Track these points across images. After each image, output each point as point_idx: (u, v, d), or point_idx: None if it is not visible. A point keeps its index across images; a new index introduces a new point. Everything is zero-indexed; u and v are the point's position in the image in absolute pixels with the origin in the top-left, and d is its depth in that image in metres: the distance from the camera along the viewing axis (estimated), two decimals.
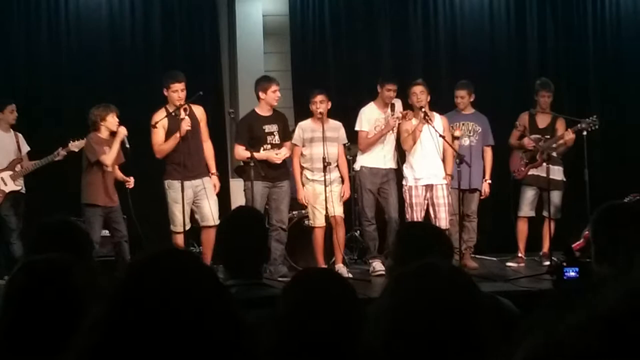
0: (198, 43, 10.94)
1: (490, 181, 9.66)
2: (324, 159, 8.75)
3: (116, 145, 8.64)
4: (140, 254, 1.54)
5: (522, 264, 9.65)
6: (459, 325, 1.78)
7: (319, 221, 8.97)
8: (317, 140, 8.92)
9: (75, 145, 8.97)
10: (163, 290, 1.44)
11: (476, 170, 9.47)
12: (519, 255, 9.78)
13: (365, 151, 9.17)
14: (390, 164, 9.22)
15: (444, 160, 9.15)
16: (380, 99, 9.22)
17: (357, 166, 9.27)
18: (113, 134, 8.72)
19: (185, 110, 8.73)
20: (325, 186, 8.76)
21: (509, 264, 9.69)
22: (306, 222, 9.46)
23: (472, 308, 1.81)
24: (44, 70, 10.41)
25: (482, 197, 9.66)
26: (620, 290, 1.09)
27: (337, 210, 9.00)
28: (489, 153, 9.74)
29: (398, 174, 9.29)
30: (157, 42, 10.85)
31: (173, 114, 8.70)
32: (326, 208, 8.84)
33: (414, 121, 9.03)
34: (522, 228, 9.85)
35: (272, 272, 8.49)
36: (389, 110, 9.16)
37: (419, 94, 9.00)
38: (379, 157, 9.16)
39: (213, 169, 8.97)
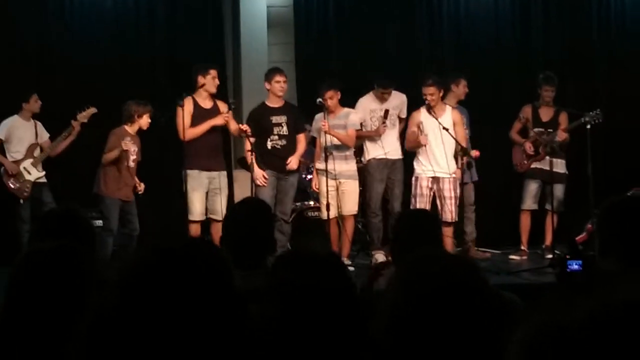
0: (202, 34, 10.90)
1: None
2: (325, 150, 8.77)
3: (115, 153, 8.62)
4: (152, 243, 1.53)
5: (525, 257, 9.67)
6: (464, 315, 1.78)
7: (323, 214, 8.97)
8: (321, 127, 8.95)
9: (83, 116, 9.04)
10: (172, 278, 1.44)
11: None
12: (522, 248, 9.79)
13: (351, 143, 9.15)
14: (397, 154, 9.25)
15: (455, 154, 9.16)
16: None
17: (365, 158, 9.28)
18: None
19: (226, 105, 8.90)
20: (327, 177, 8.75)
21: (511, 256, 9.70)
22: (311, 213, 9.49)
23: (479, 297, 1.81)
24: (53, 63, 10.39)
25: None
26: (633, 285, 1.09)
27: (346, 208, 8.99)
28: None
29: (405, 164, 9.32)
30: (161, 33, 10.82)
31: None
32: (327, 200, 8.84)
33: (424, 117, 9.00)
34: (525, 221, 9.86)
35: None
36: (382, 114, 9.17)
37: (429, 96, 8.97)
38: (386, 148, 9.18)
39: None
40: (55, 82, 10.13)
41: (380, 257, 9.02)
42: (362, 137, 9.23)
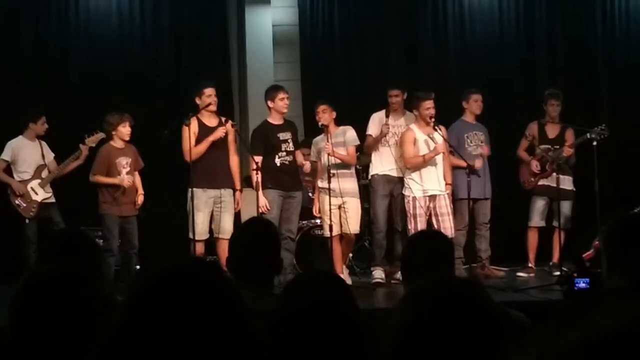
0: (208, 53, 10.96)
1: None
2: (328, 169, 8.76)
3: (109, 180, 8.68)
4: (159, 263, 1.54)
5: (532, 274, 9.64)
6: (472, 339, 1.78)
7: (326, 232, 8.95)
8: (323, 149, 8.98)
9: (92, 141, 9.04)
10: (180, 299, 1.44)
11: (488, 178, 9.50)
12: (529, 265, 9.77)
13: (368, 153, 9.24)
14: (400, 172, 9.21)
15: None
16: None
17: (370, 174, 9.30)
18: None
19: (224, 120, 8.89)
20: (330, 196, 8.75)
21: (519, 274, 9.67)
22: (317, 231, 9.48)
23: (487, 323, 1.81)
24: (53, 82, 10.41)
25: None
26: (620, 316, 1.08)
27: (351, 227, 8.97)
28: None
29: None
30: (167, 52, 10.88)
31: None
32: (331, 218, 8.85)
33: (418, 133, 8.99)
34: (533, 238, 9.84)
35: (280, 282, 8.48)
36: (383, 115, 9.20)
37: (432, 109, 8.98)
38: (391, 165, 9.17)
39: (238, 185, 9.00)
40: (60, 99, 10.19)
41: (378, 273, 9.02)
42: (371, 147, 9.20)
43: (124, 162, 8.76)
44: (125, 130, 8.76)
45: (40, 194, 9.17)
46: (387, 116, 9.17)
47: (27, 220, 9.08)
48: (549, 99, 9.82)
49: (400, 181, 9.17)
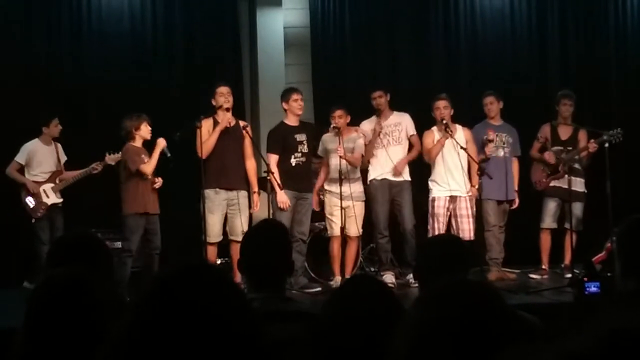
0: (219, 54, 10.97)
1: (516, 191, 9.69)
2: (340, 172, 8.77)
3: (156, 155, 8.68)
4: (167, 267, 1.53)
5: (545, 276, 9.63)
6: (483, 341, 1.77)
7: (334, 231, 9.01)
8: (333, 151, 9.05)
9: (111, 159, 9.02)
10: (186, 305, 1.43)
11: (511, 181, 9.48)
12: (542, 267, 9.75)
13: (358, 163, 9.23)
14: (402, 175, 9.21)
15: (469, 173, 9.19)
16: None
17: (368, 179, 9.32)
18: (145, 143, 8.80)
19: (227, 110, 8.85)
20: (341, 199, 8.76)
21: (531, 275, 9.65)
22: (326, 233, 9.49)
23: (499, 325, 1.79)
24: (65, 83, 10.44)
25: (512, 208, 9.66)
26: (596, 333, 1.07)
27: (352, 229, 9.04)
28: (516, 164, 9.74)
29: (421, 185, 9.30)
30: (179, 53, 10.90)
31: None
32: (342, 220, 8.87)
33: (437, 135, 9.09)
34: (545, 240, 9.82)
35: (292, 284, 8.50)
36: (372, 121, 9.26)
37: (442, 108, 9.06)
38: (388, 169, 9.17)
39: (255, 187, 9.01)
40: (72, 100, 10.21)
41: (388, 278, 9.01)
42: (368, 150, 9.21)
43: (145, 160, 8.80)
44: (147, 129, 8.79)
45: (52, 197, 9.21)
46: (377, 116, 9.21)
47: (33, 220, 9.11)
48: (562, 99, 9.79)
49: (403, 185, 9.17)
